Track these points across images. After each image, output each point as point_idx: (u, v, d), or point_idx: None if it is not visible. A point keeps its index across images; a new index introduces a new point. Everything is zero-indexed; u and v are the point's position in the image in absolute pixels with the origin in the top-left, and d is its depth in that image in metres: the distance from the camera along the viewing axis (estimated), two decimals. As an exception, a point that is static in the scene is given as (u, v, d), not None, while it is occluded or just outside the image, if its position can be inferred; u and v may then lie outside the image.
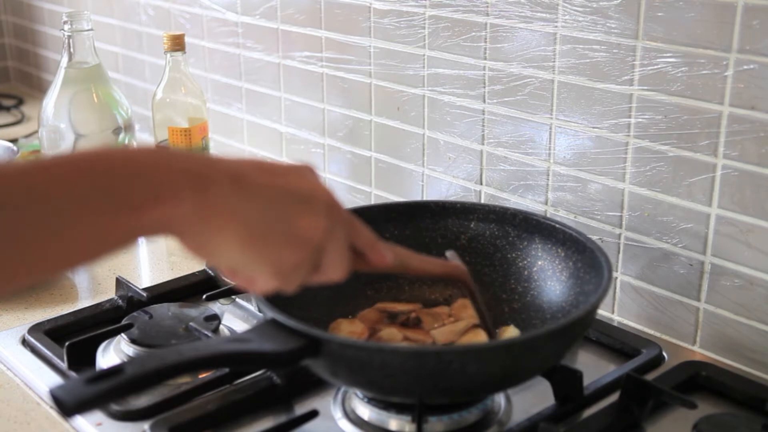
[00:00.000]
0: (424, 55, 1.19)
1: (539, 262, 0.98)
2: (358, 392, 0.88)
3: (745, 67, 0.89)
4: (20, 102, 2.03)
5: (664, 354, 0.98)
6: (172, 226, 0.61)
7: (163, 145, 0.63)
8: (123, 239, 0.60)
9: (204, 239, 0.63)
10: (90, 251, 0.60)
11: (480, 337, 0.93)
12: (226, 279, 0.67)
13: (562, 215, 1.09)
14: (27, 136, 1.80)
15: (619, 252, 1.05)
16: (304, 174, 0.69)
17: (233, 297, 1.11)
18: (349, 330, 0.94)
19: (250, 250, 0.64)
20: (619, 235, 1.04)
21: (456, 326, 0.95)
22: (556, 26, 1.04)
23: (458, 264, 0.89)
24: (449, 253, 0.92)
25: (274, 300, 0.81)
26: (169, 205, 0.60)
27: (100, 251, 0.60)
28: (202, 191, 0.61)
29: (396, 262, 0.77)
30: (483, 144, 1.16)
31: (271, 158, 1.50)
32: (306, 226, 0.66)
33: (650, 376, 0.91)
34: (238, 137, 1.56)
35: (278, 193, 0.65)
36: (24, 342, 1.02)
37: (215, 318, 1.01)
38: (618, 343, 1.00)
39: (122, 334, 0.99)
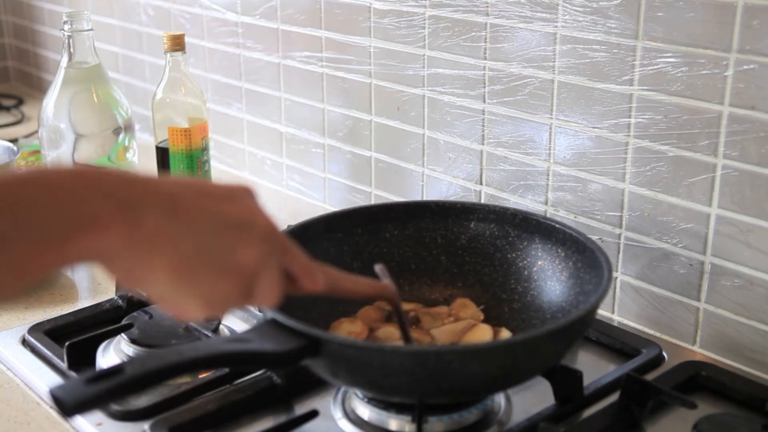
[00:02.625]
0: (424, 55, 1.19)
1: (539, 262, 0.98)
2: (358, 392, 0.88)
3: (745, 67, 0.89)
4: (20, 102, 2.03)
5: (664, 354, 0.98)
6: (98, 254, 0.59)
7: (92, 166, 0.60)
8: (46, 269, 0.58)
9: (133, 268, 0.61)
10: (10, 283, 0.57)
11: (481, 336, 0.93)
12: (153, 306, 0.65)
13: (562, 215, 1.09)
14: (27, 136, 1.79)
15: (619, 252, 1.05)
16: (242, 199, 0.66)
17: (233, 297, 1.11)
18: (349, 330, 0.94)
19: (183, 282, 0.62)
20: (619, 235, 1.04)
21: (456, 326, 0.95)
22: (556, 26, 1.04)
23: (387, 284, 0.87)
24: (378, 268, 0.91)
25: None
26: (95, 234, 0.57)
27: (21, 282, 0.57)
28: (132, 219, 0.58)
29: (327, 286, 0.75)
30: (483, 144, 1.16)
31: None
32: (241, 257, 0.65)
33: (650, 376, 0.91)
34: (238, 137, 1.56)
35: (214, 221, 0.63)
36: (24, 342, 1.02)
37: (215, 318, 1.01)
38: (618, 343, 1.00)
39: (122, 334, 0.99)
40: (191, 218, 0.62)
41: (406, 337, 0.90)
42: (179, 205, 0.61)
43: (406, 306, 0.99)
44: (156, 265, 0.61)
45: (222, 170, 1.59)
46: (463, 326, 0.95)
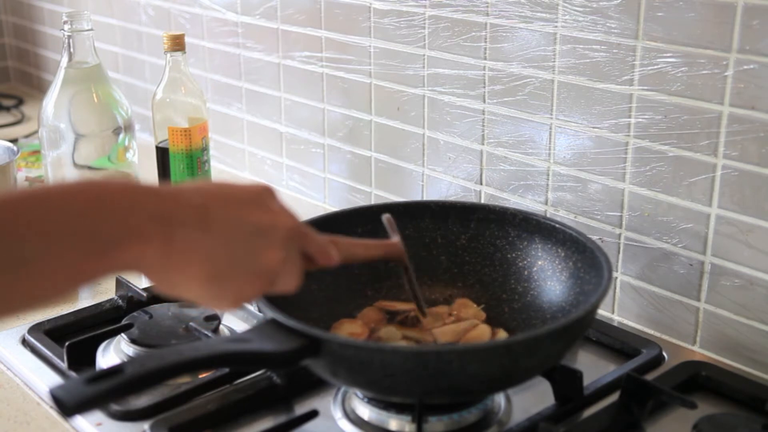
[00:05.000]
0: (424, 55, 1.19)
1: (539, 262, 0.98)
2: (358, 392, 0.88)
3: (745, 67, 0.89)
4: (20, 102, 2.03)
5: (664, 354, 0.98)
6: (138, 266, 0.64)
7: (132, 181, 0.66)
8: (90, 277, 0.62)
9: (170, 278, 0.66)
10: (57, 289, 0.61)
11: (482, 336, 0.93)
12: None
13: (562, 215, 1.09)
14: (27, 136, 1.80)
15: (619, 252, 1.05)
16: (265, 201, 0.71)
17: (233, 297, 1.11)
18: (349, 330, 0.94)
19: (214, 286, 0.68)
20: (619, 235, 1.04)
21: (458, 326, 0.95)
22: (556, 26, 1.04)
23: (394, 242, 0.91)
24: (385, 218, 0.93)
25: (274, 300, 0.81)
26: (136, 247, 0.62)
27: (67, 288, 0.62)
28: (168, 233, 0.63)
29: (342, 258, 0.81)
30: (483, 144, 1.16)
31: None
32: (266, 261, 0.70)
33: (650, 376, 0.91)
34: (238, 137, 1.56)
35: (241, 230, 0.68)
36: (24, 342, 1.02)
37: (215, 318, 1.01)
38: (618, 343, 1.00)
39: (122, 334, 0.99)
40: (220, 229, 0.67)
41: (414, 294, 0.92)
42: (209, 217, 0.66)
43: (406, 305, 0.99)
44: (189, 275, 0.66)
45: (222, 170, 1.59)
46: (465, 326, 0.95)
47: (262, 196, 0.71)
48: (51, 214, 0.59)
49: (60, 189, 0.62)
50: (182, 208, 0.65)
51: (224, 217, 0.67)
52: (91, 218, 0.60)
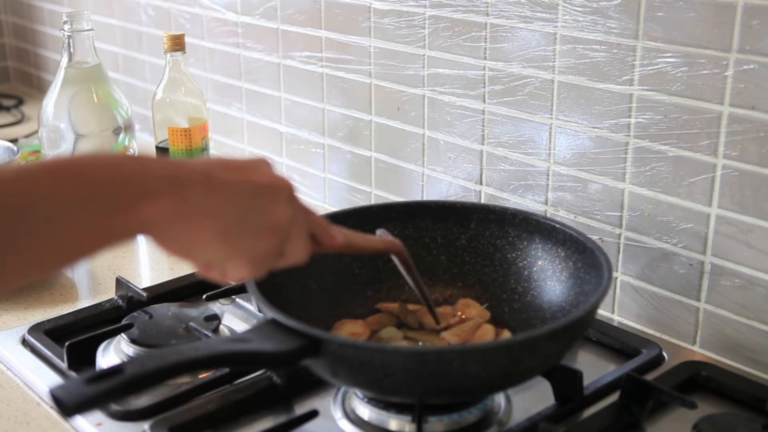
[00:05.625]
0: (424, 55, 1.19)
1: (539, 262, 0.98)
2: (358, 392, 0.88)
3: (745, 67, 0.89)
4: (20, 102, 2.03)
5: (664, 354, 0.98)
6: (152, 227, 0.65)
7: (138, 154, 0.70)
8: (110, 238, 0.64)
9: (183, 237, 0.67)
10: (82, 249, 0.64)
11: (487, 336, 0.93)
12: (198, 274, 0.71)
13: (562, 215, 1.09)
14: (27, 136, 1.80)
15: (619, 252, 1.05)
16: (262, 168, 0.73)
17: (233, 297, 1.11)
18: (351, 330, 0.94)
19: (227, 244, 0.69)
20: (619, 235, 1.04)
21: (466, 325, 0.95)
22: (556, 26, 1.04)
23: (395, 240, 0.93)
24: (379, 231, 0.94)
25: (274, 300, 0.81)
26: (148, 207, 0.64)
27: (91, 249, 0.64)
28: (179, 193, 0.65)
29: (345, 243, 0.82)
30: (483, 144, 1.16)
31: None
32: (274, 217, 0.71)
33: (650, 376, 0.91)
34: (238, 137, 1.56)
35: (245, 188, 0.70)
36: (24, 342, 1.02)
37: (215, 318, 1.01)
38: (618, 343, 1.00)
39: (122, 334, 0.99)
40: (226, 189, 0.68)
41: (421, 294, 0.93)
42: (213, 179, 0.68)
43: (410, 306, 0.99)
44: (201, 233, 0.67)
45: (222, 170, 1.59)
46: (471, 326, 0.95)
47: (259, 164, 0.73)
48: (65, 183, 0.61)
49: (71, 160, 0.64)
50: (189, 172, 0.67)
51: (228, 180, 0.69)
52: (104, 184, 0.62)
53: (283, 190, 0.72)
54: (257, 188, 0.70)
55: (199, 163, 0.70)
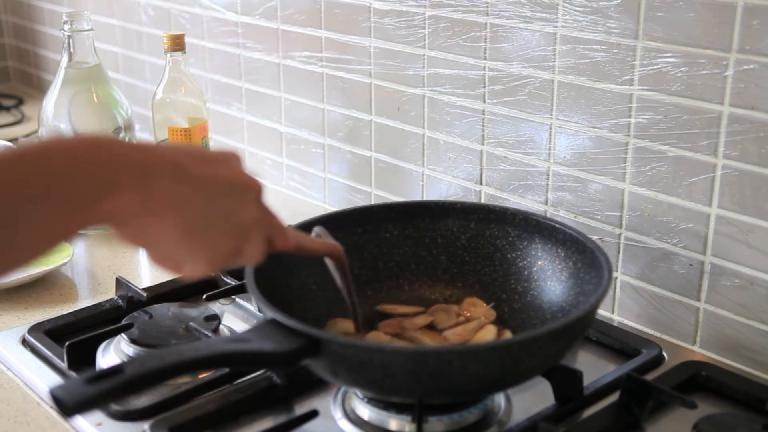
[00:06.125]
0: (424, 55, 1.19)
1: (539, 262, 0.98)
2: (358, 392, 0.88)
3: (745, 67, 0.89)
4: (20, 102, 2.03)
5: (664, 354, 0.98)
6: (115, 217, 0.63)
7: (105, 136, 0.68)
8: (74, 230, 0.62)
9: (145, 231, 0.66)
10: (43, 244, 0.62)
11: (488, 336, 0.93)
12: (150, 262, 0.70)
13: (562, 215, 1.09)
14: (27, 136, 1.80)
15: (619, 252, 1.05)
16: (233, 163, 0.72)
17: (233, 297, 1.11)
18: (343, 329, 0.94)
19: (189, 240, 0.67)
20: (619, 235, 1.04)
21: (469, 325, 0.95)
22: (556, 26, 1.04)
23: (335, 244, 0.90)
24: (317, 228, 0.92)
25: (274, 300, 0.81)
26: (114, 200, 0.62)
27: (52, 243, 0.62)
28: (146, 186, 0.63)
29: (296, 245, 0.81)
30: (483, 144, 1.16)
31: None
32: (241, 216, 0.70)
33: (650, 376, 0.91)
34: (238, 137, 1.56)
35: (215, 184, 0.68)
36: (24, 342, 1.02)
37: (215, 318, 1.01)
38: (618, 343, 1.00)
39: (122, 334, 0.99)
40: (195, 183, 0.67)
41: (350, 297, 0.90)
42: (183, 171, 0.66)
43: (409, 308, 0.99)
44: (164, 228, 0.66)
45: (222, 170, 1.59)
46: (474, 326, 0.95)
47: (229, 158, 0.72)
48: (28, 176, 0.59)
49: (34, 149, 0.61)
50: (158, 161, 0.65)
51: (198, 173, 0.67)
52: (70, 177, 0.60)
53: (252, 191, 0.71)
54: (227, 186, 0.69)
55: (169, 149, 0.68)
